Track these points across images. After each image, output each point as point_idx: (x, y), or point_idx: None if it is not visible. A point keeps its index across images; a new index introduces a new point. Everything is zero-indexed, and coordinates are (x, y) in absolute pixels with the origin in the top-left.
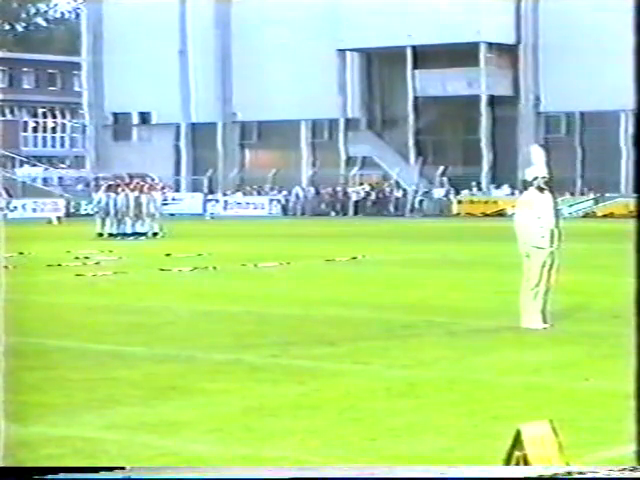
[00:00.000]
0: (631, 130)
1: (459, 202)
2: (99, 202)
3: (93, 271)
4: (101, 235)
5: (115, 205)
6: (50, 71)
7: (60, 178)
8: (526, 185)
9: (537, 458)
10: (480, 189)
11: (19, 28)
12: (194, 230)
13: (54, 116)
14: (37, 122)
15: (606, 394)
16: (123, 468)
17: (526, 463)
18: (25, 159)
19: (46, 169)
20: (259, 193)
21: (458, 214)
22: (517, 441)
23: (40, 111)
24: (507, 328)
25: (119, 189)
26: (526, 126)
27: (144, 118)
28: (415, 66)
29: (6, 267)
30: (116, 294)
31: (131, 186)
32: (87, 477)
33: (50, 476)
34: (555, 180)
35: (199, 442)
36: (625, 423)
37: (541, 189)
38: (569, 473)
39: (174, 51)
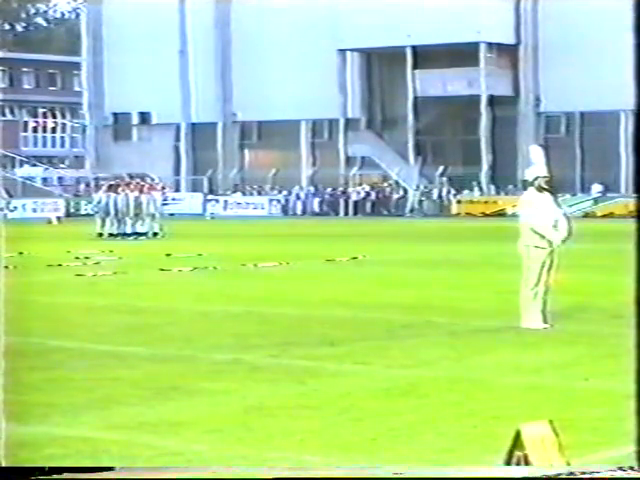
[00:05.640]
0: (631, 130)
1: (459, 202)
2: (99, 202)
3: (93, 271)
4: (101, 235)
5: (115, 205)
6: (50, 71)
7: (60, 178)
8: (526, 185)
9: (537, 458)
10: (481, 189)
11: (19, 28)
12: (194, 230)
13: (54, 116)
14: (37, 122)
15: (606, 394)
16: (123, 468)
17: (526, 463)
18: (25, 159)
19: (46, 169)
20: (259, 193)
21: (458, 214)
22: (517, 441)
23: (40, 111)
24: (507, 328)
25: (119, 189)
26: (526, 126)
27: (144, 118)
28: (415, 66)
29: (6, 267)
30: (116, 294)
31: (131, 186)
32: (88, 477)
33: (51, 476)
34: (555, 180)
35: (199, 442)
36: (625, 423)
37: (541, 189)
38: (571, 473)
39: (174, 51)
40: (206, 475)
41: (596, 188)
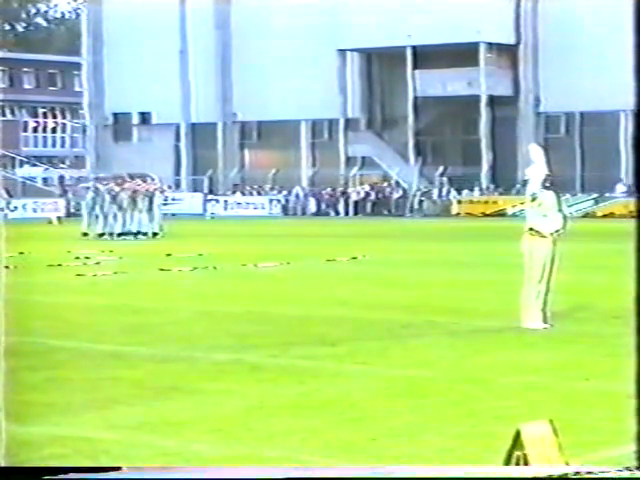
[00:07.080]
0: (631, 130)
1: (459, 202)
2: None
3: (93, 271)
4: (102, 235)
5: (115, 205)
6: (50, 71)
7: (60, 178)
8: (528, 184)
9: (537, 458)
10: (481, 189)
11: (19, 28)
12: (194, 230)
13: (54, 116)
14: (37, 122)
15: (606, 394)
16: (123, 468)
17: (526, 463)
18: (25, 159)
19: (46, 169)
20: (259, 193)
21: (458, 214)
22: (517, 441)
23: (40, 111)
24: (507, 328)
25: (117, 189)
26: (526, 126)
27: (144, 118)
28: (415, 66)
29: (6, 267)
30: (116, 294)
31: (130, 186)
32: (87, 477)
33: (50, 476)
34: (555, 180)
35: (200, 442)
36: (625, 423)
37: (545, 186)
38: (577, 473)
39: (174, 51)
40: (206, 475)
41: (620, 188)
